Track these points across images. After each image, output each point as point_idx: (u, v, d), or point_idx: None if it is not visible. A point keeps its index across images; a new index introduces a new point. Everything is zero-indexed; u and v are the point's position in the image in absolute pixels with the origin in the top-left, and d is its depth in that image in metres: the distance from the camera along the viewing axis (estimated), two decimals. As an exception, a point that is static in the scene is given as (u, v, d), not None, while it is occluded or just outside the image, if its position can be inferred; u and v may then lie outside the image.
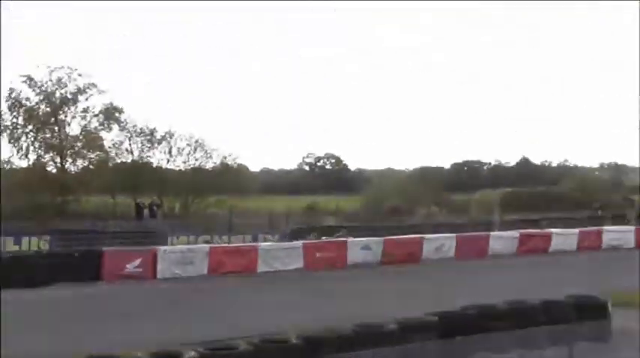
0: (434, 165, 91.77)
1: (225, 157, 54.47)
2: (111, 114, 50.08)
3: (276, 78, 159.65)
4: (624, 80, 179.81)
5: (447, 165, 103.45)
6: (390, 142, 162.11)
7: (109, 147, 51.44)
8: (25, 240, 36.41)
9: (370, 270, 32.67)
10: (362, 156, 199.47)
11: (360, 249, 35.01)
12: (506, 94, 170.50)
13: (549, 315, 18.02)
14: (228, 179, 53.40)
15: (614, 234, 41.87)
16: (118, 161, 52.63)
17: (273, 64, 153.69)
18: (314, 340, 15.15)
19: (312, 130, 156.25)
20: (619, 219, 49.95)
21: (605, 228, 43.01)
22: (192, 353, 13.59)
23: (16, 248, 35.74)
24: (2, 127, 47.59)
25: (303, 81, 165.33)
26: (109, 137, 51.06)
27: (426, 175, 78.23)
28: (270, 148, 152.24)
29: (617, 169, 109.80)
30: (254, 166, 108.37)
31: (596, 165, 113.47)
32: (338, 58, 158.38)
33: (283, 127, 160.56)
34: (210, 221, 44.23)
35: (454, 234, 38.19)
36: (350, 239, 35.78)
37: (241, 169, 60.85)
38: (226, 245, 36.35)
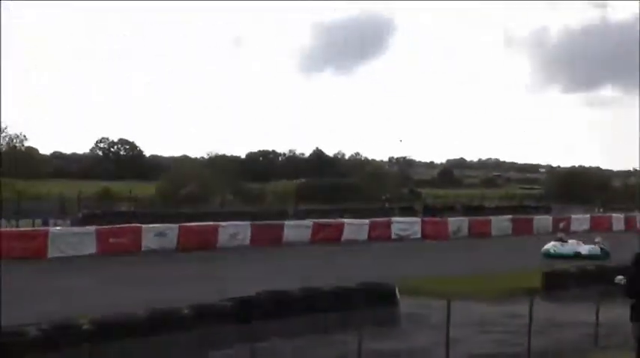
0: (229, 153, 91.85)
1: (12, 139, 52.25)
2: None
3: (76, 57, 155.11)
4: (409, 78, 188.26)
5: (242, 154, 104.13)
6: (185, 129, 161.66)
7: None
8: None
9: (165, 257, 32.39)
10: (157, 143, 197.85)
11: (155, 235, 34.63)
12: (304, 85, 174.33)
13: (341, 302, 18.61)
14: (16, 161, 51.27)
15: (403, 224, 43.68)
16: None
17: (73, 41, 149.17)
18: (106, 325, 14.91)
19: (106, 114, 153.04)
20: (406, 211, 52.21)
21: (394, 218, 44.77)
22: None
23: None
24: None
25: (97, 60, 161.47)
26: None
27: (221, 163, 78.22)
28: (61, 131, 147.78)
29: (405, 163, 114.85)
30: (44, 149, 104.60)
31: (385, 158, 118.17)
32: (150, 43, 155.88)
33: (76, 109, 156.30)
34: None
35: (249, 222, 38.56)
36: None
37: (30, 152, 58.74)
38: (14, 229, 34.96)
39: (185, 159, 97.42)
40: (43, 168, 66.00)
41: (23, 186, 47.51)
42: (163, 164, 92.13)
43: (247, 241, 36.91)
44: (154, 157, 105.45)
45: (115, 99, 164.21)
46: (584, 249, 35.39)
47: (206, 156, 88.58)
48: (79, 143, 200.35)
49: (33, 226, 37.17)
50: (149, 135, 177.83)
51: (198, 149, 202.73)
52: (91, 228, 33.57)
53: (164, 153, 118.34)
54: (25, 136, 52.98)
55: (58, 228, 35.03)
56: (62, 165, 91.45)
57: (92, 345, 13.40)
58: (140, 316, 15.64)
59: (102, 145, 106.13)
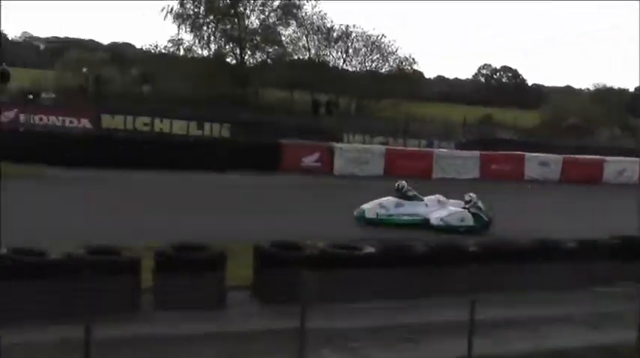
0: (617, 86, 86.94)
1: (401, 62, 53.94)
2: (289, 9, 50.40)
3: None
4: None
5: (631, 88, 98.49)
6: (570, 60, 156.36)
7: (287, 43, 52.01)
8: (207, 126, 37.75)
9: (547, 187, 31.78)
10: (539, 72, 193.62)
11: (538, 164, 34.14)
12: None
13: None
14: (404, 84, 52.89)
15: None
16: (295, 57, 53.21)
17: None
18: (491, 249, 15.05)
19: (489, 41, 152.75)
20: None
21: None
22: (371, 249, 13.76)
23: (199, 133, 37.11)
24: (185, 16, 48.78)
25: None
26: (287, 33, 51.68)
27: (608, 96, 74.57)
28: (445, 56, 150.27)
29: None
30: (429, 73, 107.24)
31: None
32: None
33: (461, 36, 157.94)
34: (385, 124, 44.05)
35: (639, 159, 36.23)
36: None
37: (417, 75, 60.17)
38: (402, 148, 36.25)
39: (568, 89, 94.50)
40: (427, 92, 67.56)
41: (409, 108, 48.98)
42: (545, 93, 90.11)
43: (635, 179, 34.90)
44: (536, 86, 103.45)
45: (498, 26, 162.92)
46: (440, 213, 20.88)
47: (591, 89, 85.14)
48: (462, 69, 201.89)
49: (419, 147, 38.33)
50: (532, 64, 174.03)
51: (583, 81, 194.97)
52: (475, 153, 33.90)
53: (546, 82, 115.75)
54: (414, 59, 54.35)
55: (443, 150, 35.73)
56: (445, 90, 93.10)
57: (477, 265, 13.71)
58: (524, 244, 15.60)
59: (484, 72, 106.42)
